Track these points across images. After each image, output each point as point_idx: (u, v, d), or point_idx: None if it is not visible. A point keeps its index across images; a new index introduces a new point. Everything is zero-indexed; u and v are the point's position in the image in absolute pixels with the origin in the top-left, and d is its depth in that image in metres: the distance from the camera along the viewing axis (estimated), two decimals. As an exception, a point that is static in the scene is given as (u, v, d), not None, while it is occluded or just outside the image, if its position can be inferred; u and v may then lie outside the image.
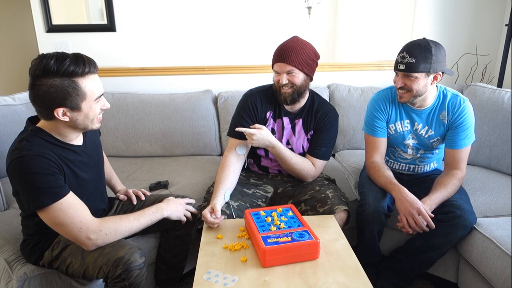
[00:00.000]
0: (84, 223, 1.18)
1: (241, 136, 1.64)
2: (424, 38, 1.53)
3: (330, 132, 1.72)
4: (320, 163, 1.70)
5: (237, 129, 1.59)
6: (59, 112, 1.14)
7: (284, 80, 1.59)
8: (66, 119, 1.16)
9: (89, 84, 1.16)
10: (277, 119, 1.72)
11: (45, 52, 1.14)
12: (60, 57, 1.11)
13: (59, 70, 1.10)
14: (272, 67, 1.65)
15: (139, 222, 1.30)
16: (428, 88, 1.56)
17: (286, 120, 1.73)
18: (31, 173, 1.11)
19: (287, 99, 1.63)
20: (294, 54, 1.57)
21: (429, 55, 1.48)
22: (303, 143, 1.73)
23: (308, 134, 1.73)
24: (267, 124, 1.72)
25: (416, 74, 1.50)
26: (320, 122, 1.71)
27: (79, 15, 2.44)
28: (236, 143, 1.67)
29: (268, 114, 1.72)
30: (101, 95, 1.23)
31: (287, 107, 1.71)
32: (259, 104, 1.71)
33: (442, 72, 1.55)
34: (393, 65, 1.58)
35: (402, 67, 1.52)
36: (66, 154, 1.23)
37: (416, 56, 1.48)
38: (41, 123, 1.22)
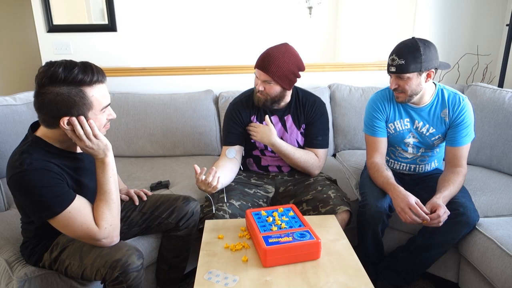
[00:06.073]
0: (90, 229, 1.18)
1: (233, 143, 1.72)
2: (413, 38, 1.54)
3: (322, 120, 1.76)
4: (322, 152, 1.74)
5: (250, 127, 1.69)
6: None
7: (260, 87, 1.64)
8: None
9: (96, 94, 1.14)
10: (263, 120, 1.74)
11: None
12: (68, 65, 1.09)
13: (66, 78, 1.07)
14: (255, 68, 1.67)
15: (111, 191, 1.23)
16: (422, 87, 1.57)
17: (274, 119, 1.75)
18: (34, 187, 1.10)
19: (260, 102, 1.68)
20: (275, 66, 1.58)
21: (418, 54, 1.49)
22: (296, 137, 1.76)
23: (301, 128, 1.75)
24: None
25: (407, 75, 1.52)
26: (309, 113, 1.74)
27: (80, 15, 2.44)
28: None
29: (252, 118, 1.76)
30: (108, 105, 1.21)
31: (273, 105, 1.73)
32: (242, 111, 1.76)
33: (436, 69, 1.56)
34: None
35: (393, 69, 1.54)
36: (67, 162, 1.21)
37: (405, 57, 1.49)
38: (41, 132, 1.19)
